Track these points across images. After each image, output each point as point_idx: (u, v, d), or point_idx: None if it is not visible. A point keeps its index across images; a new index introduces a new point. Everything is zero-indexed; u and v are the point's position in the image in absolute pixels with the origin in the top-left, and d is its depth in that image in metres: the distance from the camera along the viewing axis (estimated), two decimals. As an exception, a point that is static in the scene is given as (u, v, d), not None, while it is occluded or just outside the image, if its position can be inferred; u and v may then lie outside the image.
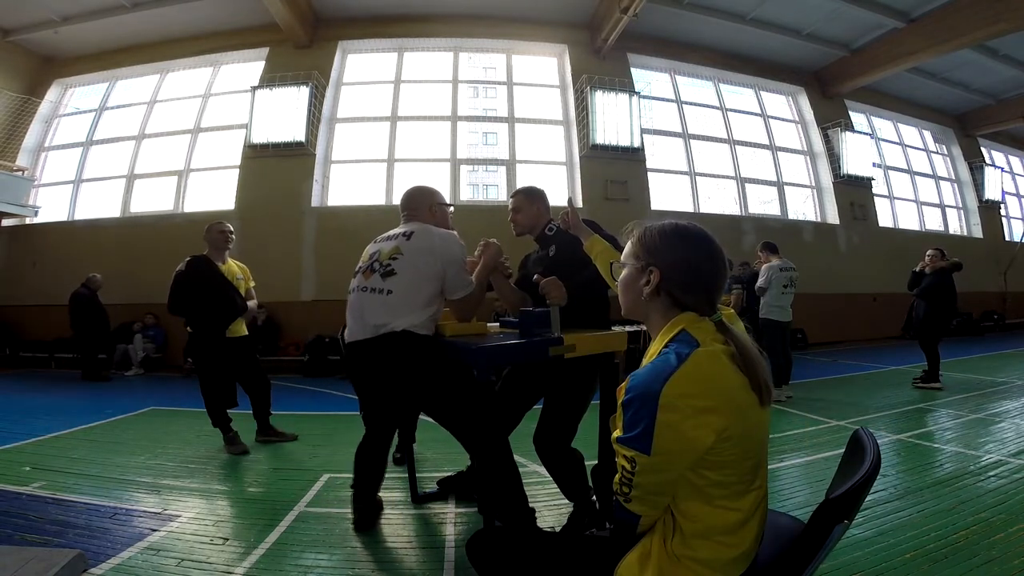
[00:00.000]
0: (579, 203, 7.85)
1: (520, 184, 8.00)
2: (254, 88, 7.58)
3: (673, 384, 0.81)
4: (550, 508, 2.35)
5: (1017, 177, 13.21)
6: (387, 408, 2.11)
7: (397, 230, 2.04)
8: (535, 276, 1.90)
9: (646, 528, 0.92)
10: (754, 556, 0.90)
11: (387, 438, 2.22)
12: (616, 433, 0.87)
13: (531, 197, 2.23)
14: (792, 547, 0.90)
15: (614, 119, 7.94)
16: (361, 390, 2.07)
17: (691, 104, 9.24)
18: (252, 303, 3.64)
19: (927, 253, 5.19)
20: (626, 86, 8.10)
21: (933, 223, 11.19)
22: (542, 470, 2.78)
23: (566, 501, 2.30)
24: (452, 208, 2.29)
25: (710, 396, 0.82)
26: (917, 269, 5.23)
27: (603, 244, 1.72)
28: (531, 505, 1.93)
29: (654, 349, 0.94)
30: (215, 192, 7.82)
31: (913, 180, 11.13)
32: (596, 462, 1.85)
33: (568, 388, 1.97)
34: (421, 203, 2.16)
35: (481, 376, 1.62)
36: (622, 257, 1.05)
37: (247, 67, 8.20)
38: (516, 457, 2.68)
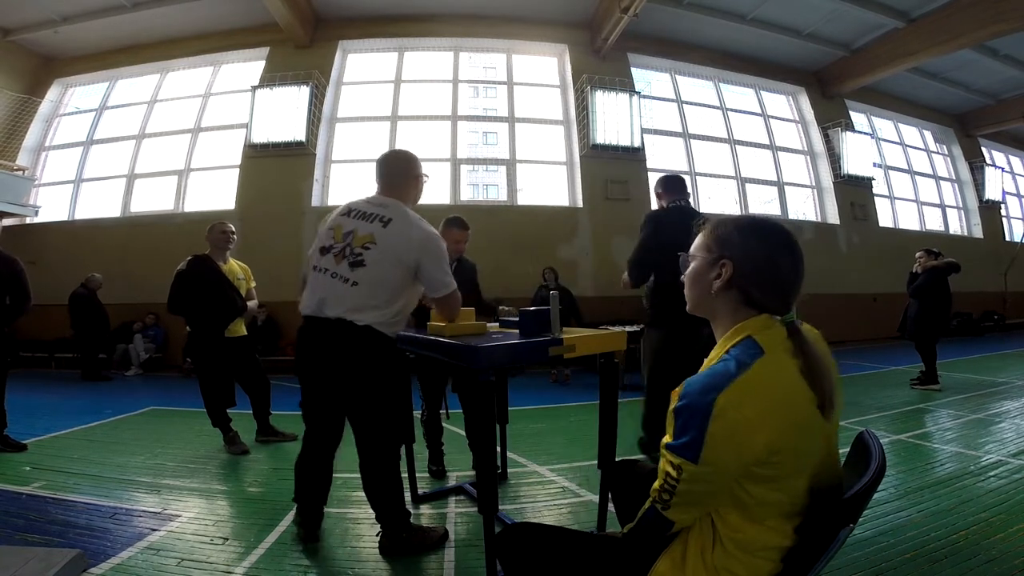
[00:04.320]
0: (579, 203, 7.87)
1: (520, 184, 8.07)
2: (254, 88, 7.58)
3: (729, 395, 0.78)
4: (550, 508, 2.35)
5: (1017, 177, 13.20)
6: (331, 400, 1.90)
7: (375, 208, 1.86)
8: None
9: (673, 533, 0.90)
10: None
11: (332, 439, 1.99)
12: (665, 439, 0.84)
13: None
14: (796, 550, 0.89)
15: (614, 119, 7.92)
16: (305, 377, 1.91)
17: (691, 104, 9.23)
18: (252, 303, 3.64)
19: (916, 254, 5.26)
20: (626, 86, 8.09)
21: (933, 223, 11.18)
22: (542, 470, 2.79)
23: (566, 501, 2.31)
24: (428, 177, 2.06)
25: (766, 409, 0.78)
26: (913, 270, 5.27)
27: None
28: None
29: (715, 353, 0.90)
30: (215, 192, 7.81)
31: (913, 180, 11.12)
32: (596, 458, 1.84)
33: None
34: (404, 172, 1.95)
35: (483, 376, 1.61)
36: (692, 249, 0.99)
37: (247, 67, 8.19)
38: (515, 457, 2.67)
